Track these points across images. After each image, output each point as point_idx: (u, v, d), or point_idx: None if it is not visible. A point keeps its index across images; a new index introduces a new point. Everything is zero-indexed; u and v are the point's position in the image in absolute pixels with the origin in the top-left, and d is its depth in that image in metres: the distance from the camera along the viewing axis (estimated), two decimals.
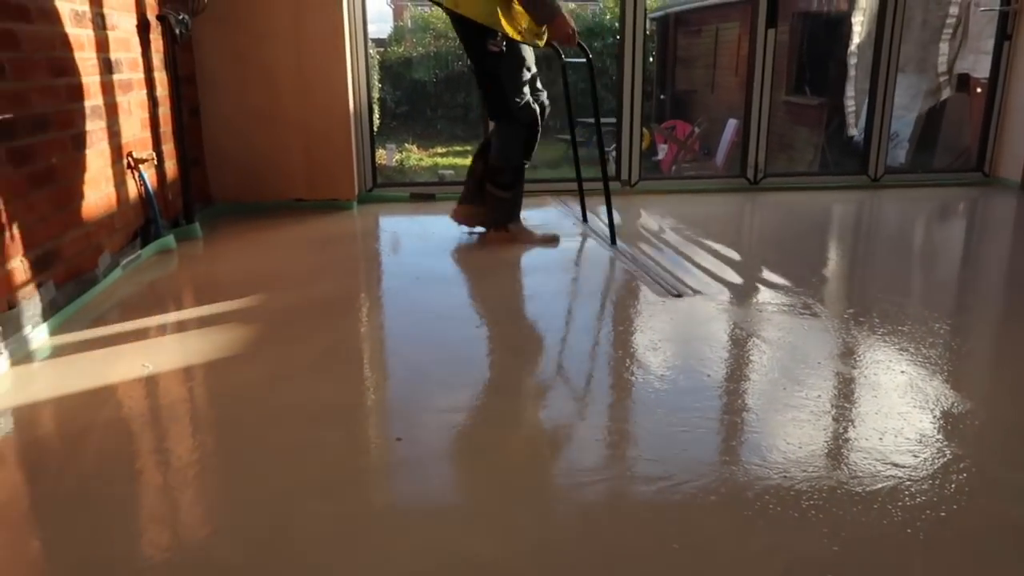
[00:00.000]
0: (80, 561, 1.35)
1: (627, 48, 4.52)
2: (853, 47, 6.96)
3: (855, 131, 7.12)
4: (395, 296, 2.92)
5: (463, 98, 11.39)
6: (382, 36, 12.29)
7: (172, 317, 2.62)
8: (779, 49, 7.33)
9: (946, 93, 6.78)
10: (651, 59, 11.52)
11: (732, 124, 8.01)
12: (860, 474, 1.58)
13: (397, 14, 14.25)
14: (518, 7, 3.14)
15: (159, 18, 3.44)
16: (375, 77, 9.62)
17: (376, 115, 9.06)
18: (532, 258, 3.36)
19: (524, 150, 3.46)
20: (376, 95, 9.63)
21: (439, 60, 11.79)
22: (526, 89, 3.39)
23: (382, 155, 8.96)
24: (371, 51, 6.46)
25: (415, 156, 11.05)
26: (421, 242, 3.61)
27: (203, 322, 2.55)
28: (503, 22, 3.12)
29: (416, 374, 2.16)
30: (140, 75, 3.30)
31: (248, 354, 2.27)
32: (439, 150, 11.84)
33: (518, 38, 3.20)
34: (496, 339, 2.43)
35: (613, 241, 3.55)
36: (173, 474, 1.62)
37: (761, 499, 1.49)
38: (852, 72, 7.02)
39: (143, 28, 3.31)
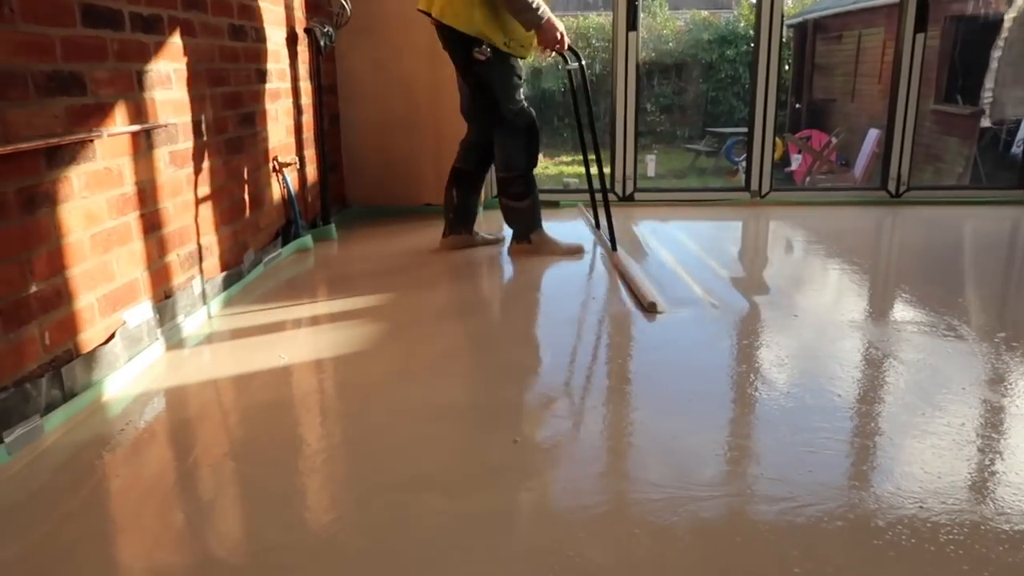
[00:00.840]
0: (216, 534, 1.45)
1: (761, 55, 4.39)
2: (1000, 42, 6.50)
3: (988, 122, 6.70)
4: (514, 300, 2.96)
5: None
6: None
7: (307, 312, 2.77)
8: (928, 55, 6.94)
9: None
10: (787, 67, 11.12)
11: (873, 134, 7.61)
12: (1008, 511, 1.46)
13: None
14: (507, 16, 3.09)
15: (306, 31, 3.65)
16: None
17: None
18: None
19: (527, 156, 3.35)
20: None
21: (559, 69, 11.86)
22: (519, 94, 3.28)
23: None
24: None
25: (540, 164, 11.18)
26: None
27: (335, 318, 2.68)
28: (487, 32, 3.08)
29: (534, 377, 2.18)
30: (287, 84, 3.51)
31: (375, 350, 2.36)
32: (564, 159, 11.89)
33: (504, 49, 3.13)
34: (616, 346, 2.41)
35: (613, 247, 3.44)
36: (303, 460, 1.71)
37: (893, 529, 1.40)
38: (994, 65, 6.57)
39: (291, 40, 3.52)
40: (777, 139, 5.68)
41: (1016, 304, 2.90)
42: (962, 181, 6.79)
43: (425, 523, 1.46)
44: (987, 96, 6.68)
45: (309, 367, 2.26)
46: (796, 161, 8.42)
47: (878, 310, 2.75)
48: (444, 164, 4.26)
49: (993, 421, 1.85)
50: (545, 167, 10.72)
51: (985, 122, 6.77)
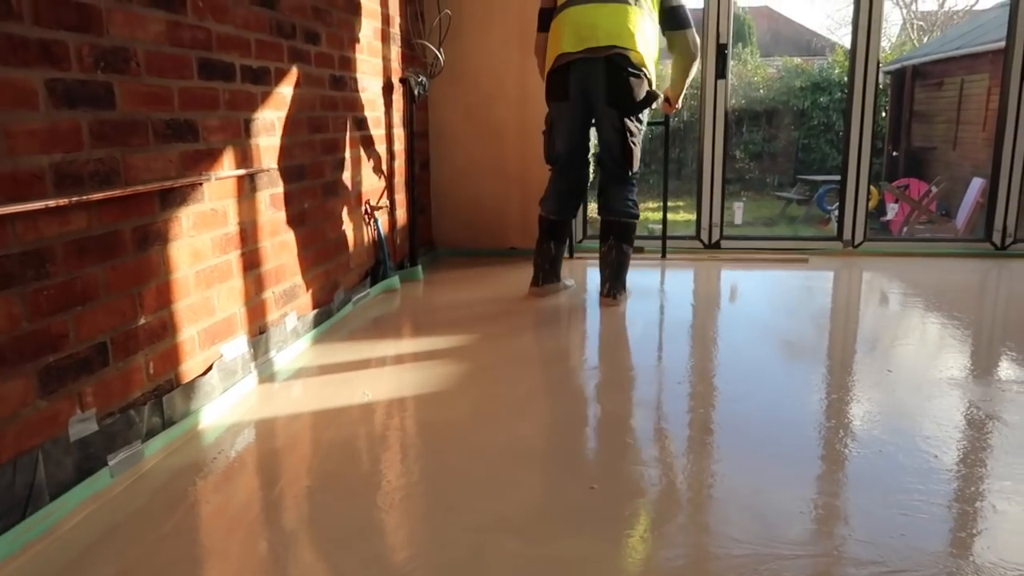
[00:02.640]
0: (297, 565, 1.49)
1: (855, 102, 4.30)
2: None
3: None
4: (598, 345, 2.96)
5: (676, 153, 11.36)
6: None
7: (392, 350, 2.84)
8: None
9: None
10: (883, 114, 10.82)
11: (977, 184, 7.28)
12: None
13: None
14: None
15: (401, 80, 3.80)
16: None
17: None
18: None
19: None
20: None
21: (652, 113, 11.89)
22: None
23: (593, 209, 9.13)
24: None
25: None
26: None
27: (418, 357, 2.74)
28: (648, 67, 3.21)
29: (615, 424, 2.17)
30: (382, 131, 3.66)
31: (457, 390, 2.40)
32: (651, 205, 11.85)
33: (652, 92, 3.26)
34: (699, 395, 2.37)
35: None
36: (383, 496, 1.74)
37: None
38: None
39: (387, 89, 3.68)
40: (872, 187, 5.52)
41: None
42: None
43: (501, 565, 1.47)
44: None
45: (392, 405, 2.31)
46: (893, 211, 8.13)
47: (980, 367, 2.61)
48: (530, 209, 4.33)
49: None
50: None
51: None
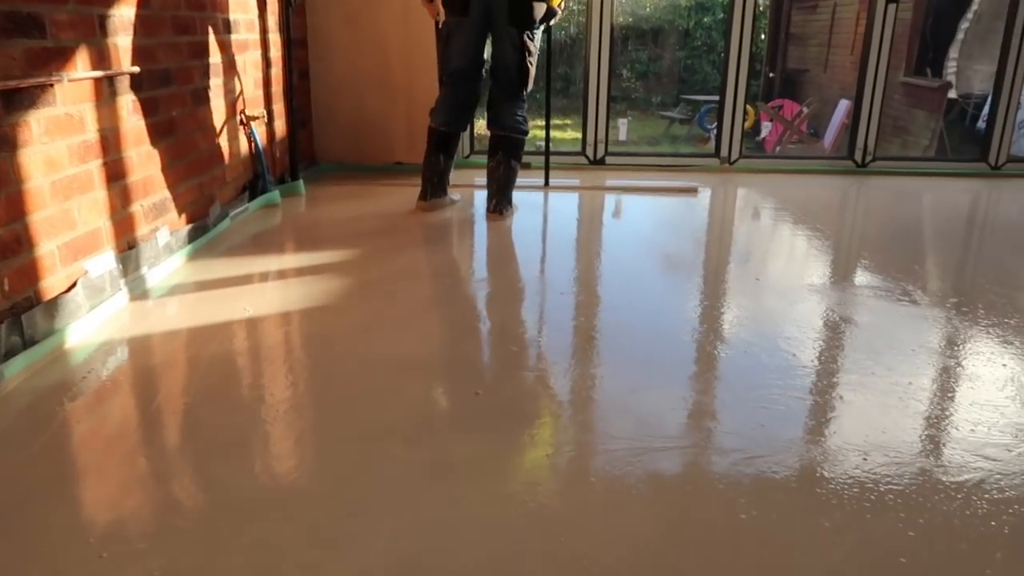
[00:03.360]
0: (178, 481, 1.47)
1: (735, 23, 4.39)
2: (968, 14, 6.56)
3: (954, 93, 6.78)
4: (485, 259, 2.98)
5: (564, 71, 11.33)
6: None
7: (273, 266, 2.76)
8: (900, 27, 6.97)
9: None
10: (763, 36, 11.12)
11: (844, 105, 7.66)
12: (946, 464, 1.53)
13: None
14: None
15: None
16: None
17: None
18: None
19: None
20: None
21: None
22: None
23: (481, 126, 9.04)
24: None
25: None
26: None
27: (301, 273, 2.68)
28: None
29: (500, 334, 2.21)
30: (256, 36, 3.45)
31: (341, 305, 2.37)
32: (537, 123, 11.84)
33: (557, 6, 3.21)
34: (582, 306, 2.45)
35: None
36: (267, 409, 1.73)
37: (837, 480, 1.46)
38: (960, 36, 6.63)
39: None
40: (749, 107, 5.71)
41: (969, 272, 2.98)
42: (928, 153, 6.89)
43: (386, 471, 1.49)
44: (951, 68, 6.74)
45: (274, 320, 2.26)
46: (767, 129, 8.47)
47: (838, 275, 2.81)
48: (416, 123, 4.23)
49: (940, 381, 1.92)
50: None
51: (952, 94, 6.84)
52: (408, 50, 4.12)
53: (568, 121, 10.24)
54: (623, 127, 9.07)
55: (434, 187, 3.47)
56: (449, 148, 3.44)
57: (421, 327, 2.25)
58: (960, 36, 6.60)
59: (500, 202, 3.39)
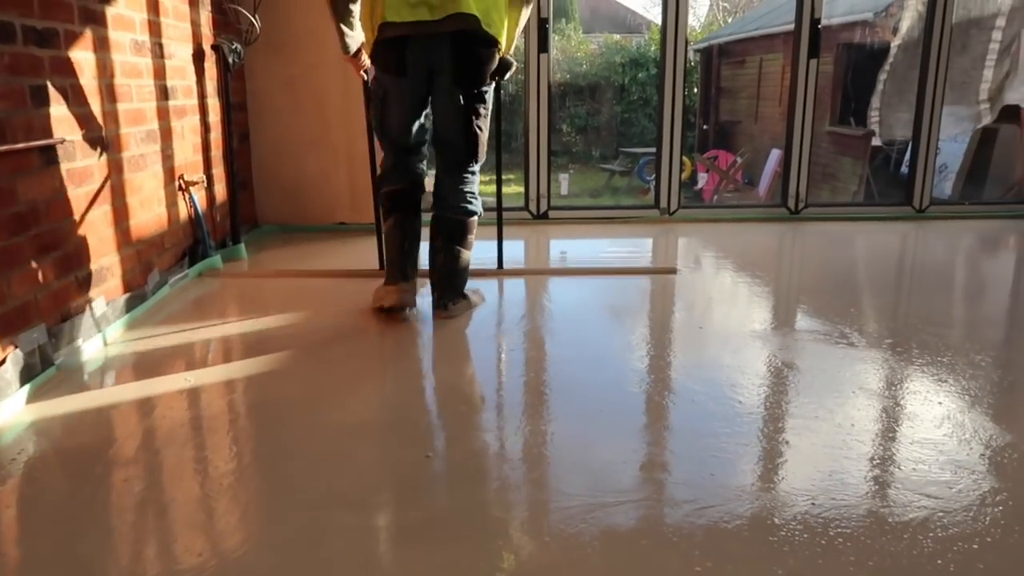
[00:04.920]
0: (117, 564, 1.40)
1: (667, 78, 4.56)
2: (886, 66, 6.94)
3: (878, 141, 7.13)
4: (431, 317, 2.97)
5: (505, 126, 11.54)
6: None
7: (215, 333, 2.70)
8: (823, 80, 7.31)
9: (986, 120, 6.68)
10: (695, 89, 11.54)
11: (775, 154, 7.97)
12: (891, 504, 1.56)
13: None
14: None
15: (213, 47, 3.58)
16: None
17: None
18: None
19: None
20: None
21: None
22: None
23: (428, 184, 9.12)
24: None
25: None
26: None
27: (244, 339, 2.63)
28: (505, 39, 2.66)
29: (449, 394, 2.20)
30: (194, 101, 3.43)
31: (285, 371, 2.33)
32: (484, 178, 11.98)
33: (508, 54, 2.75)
34: (531, 361, 2.45)
35: (500, 265, 3.39)
36: (210, 483, 1.67)
37: (788, 526, 1.48)
38: (880, 87, 7.00)
39: (198, 57, 3.45)
40: (685, 159, 5.89)
41: (902, 313, 3.09)
42: (856, 198, 7.19)
43: (337, 539, 1.45)
44: (874, 116, 7.09)
45: (216, 388, 2.20)
46: (703, 179, 8.74)
47: (779, 321, 2.89)
48: (358, 182, 4.25)
49: (879, 421, 1.97)
50: None
51: (876, 141, 7.18)
52: (347, 111, 4.15)
53: (511, 176, 10.39)
54: (564, 181, 9.24)
55: (413, 261, 2.83)
56: (415, 205, 2.85)
57: (367, 390, 2.22)
58: (880, 87, 6.97)
59: (445, 295, 2.80)
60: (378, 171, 2.98)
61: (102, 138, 2.58)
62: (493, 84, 2.75)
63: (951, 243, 4.39)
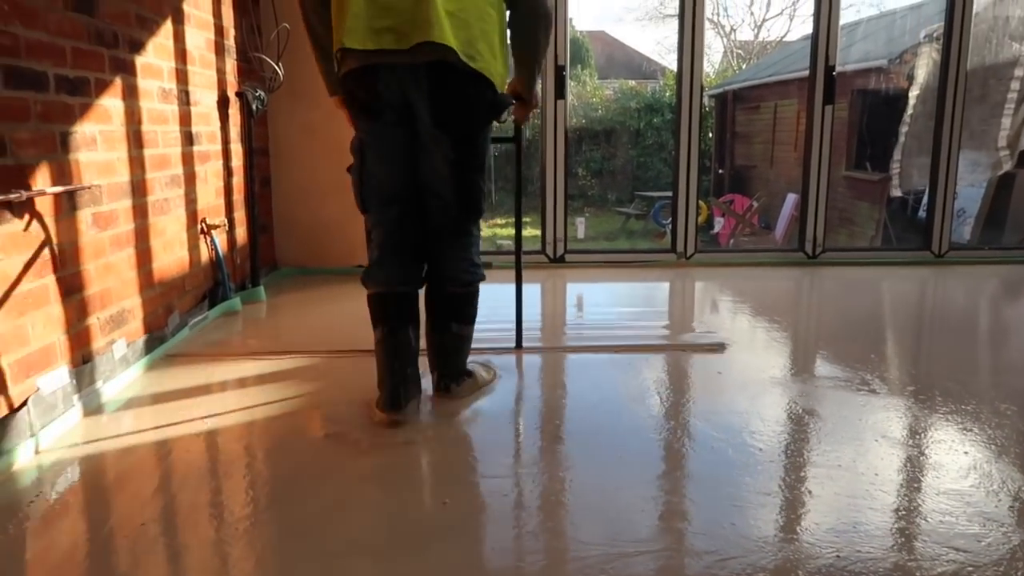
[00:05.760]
0: None
1: (683, 123, 4.60)
2: (906, 117, 6.96)
3: (899, 191, 7.11)
4: None
5: (524, 171, 11.63)
6: None
7: (232, 375, 2.71)
8: (838, 125, 7.32)
9: (1007, 167, 6.67)
10: (709, 134, 11.63)
11: (792, 198, 7.99)
12: (919, 557, 1.52)
13: None
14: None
15: (238, 95, 3.66)
16: None
17: None
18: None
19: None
20: None
21: (498, 129, 12.09)
22: None
23: None
24: None
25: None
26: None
27: (261, 381, 2.63)
28: (497, 75, 2.16)
29: (465, 439, 2.19)
30: (218, 147, 3.50)
31: (303, 412, 2.33)
32: (499, 222, 12.05)
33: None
34: (549, 408, 2.43)
35: (518, 344, 2.90)
36: (226, 528, 1.66)
37: None
38: (902, 139, 7.02)
39: (223, 104, 3.53)
40: (701, 203, 5.91)
41: (924, 359, 3.05)
42: (874, 243, 7.17)
43: None
44: (895, 167, 7.10)
45: (234, 431, 2.20)
46: (720, 224, 8.76)
47: (798, 367, 2.86)
48: None
49: (904, 471, 1.93)
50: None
51: (896, 192, 7.17)
52: None
53: (527, 219, 10.45)
54: (581, 225, 9.30)
55: (406, 386, 2.25)
56: (409, 314, 2.29)
57: (384, 434, 2.21)
58: (901, 139, 6.99)
59: (446, 376, 2.41)
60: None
61: (129, 182, 2.63)
62: (489, 128, 2.28)
63: (971, 288, 4.35)
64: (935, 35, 6.51)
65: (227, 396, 2.52)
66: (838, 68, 4.65)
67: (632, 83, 14.57)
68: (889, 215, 7.18)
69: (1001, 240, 6.36)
